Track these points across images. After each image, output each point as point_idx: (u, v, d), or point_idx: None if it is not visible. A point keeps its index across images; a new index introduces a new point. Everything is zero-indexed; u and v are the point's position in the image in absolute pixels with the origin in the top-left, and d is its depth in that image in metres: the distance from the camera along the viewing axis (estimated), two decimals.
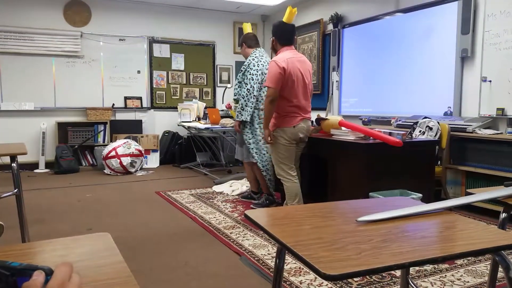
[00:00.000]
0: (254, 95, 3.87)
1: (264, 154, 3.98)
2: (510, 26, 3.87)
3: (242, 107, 3.91)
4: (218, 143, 6.75)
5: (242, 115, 3.92)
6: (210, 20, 7.46)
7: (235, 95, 4.07)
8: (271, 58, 3.58)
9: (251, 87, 3.87)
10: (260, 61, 3.93)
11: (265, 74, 3.82)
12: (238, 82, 4.02)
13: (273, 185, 4.08)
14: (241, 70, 4.01)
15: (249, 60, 3.96)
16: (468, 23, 4.20)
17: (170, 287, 2.32)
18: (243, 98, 3.91)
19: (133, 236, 3.19)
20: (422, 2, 4.75)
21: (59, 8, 6.40)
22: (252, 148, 3.96)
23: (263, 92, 3.89)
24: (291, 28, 3.53)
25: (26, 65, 6.24)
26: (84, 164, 6.58)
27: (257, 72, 3.87)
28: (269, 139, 3.42)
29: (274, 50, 3.58)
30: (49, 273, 0.55)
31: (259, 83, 3.88)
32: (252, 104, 3.87)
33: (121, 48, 6.84)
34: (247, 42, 4.12)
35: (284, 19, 3.51)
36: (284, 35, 3.48)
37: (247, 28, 4.36)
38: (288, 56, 3.36)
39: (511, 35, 3.86)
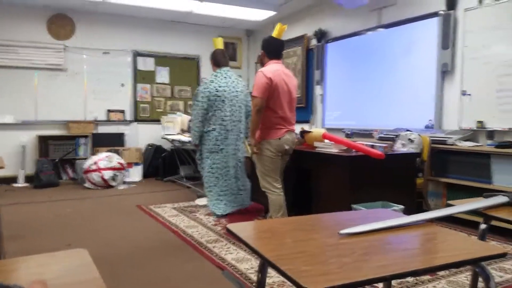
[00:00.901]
0: (199, 121, 4.07)
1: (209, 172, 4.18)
2: (488, 41, 3.97)
3: (191, 131, 4.25)
4: None
5: (192, 139, 4.25)
6: (195, 34, 7.49)
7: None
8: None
9: (197, 113, 4.08)
10: (208, 88, 4.05)
11: (212, 100, 4.02)
12: (192, 102, 4.22)
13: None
14: (194, 94, 4.22)
15: (200, 85, 4.21)
16: (448, 38, 4.30)
17: None
18: (192, 121, 4.20)
19: (113, 251, 3.12)
20: (403, 18, 4.85)
21: (43, 21, 6.35)
22: (203, 162, 4.20)
23: (208, 116, 4.07)
24: (280, 43, 3.60)
25: (8, 78, 6.14)
26: (65, 178, 6.46)
27: (202, 99, 4.05)
28: (255, 149, 3.43)
29: (261, 63, 3.61)
30: None
31: (204, 109, 4.05)
32: (198, 128, 4.11)
33: (105, 61, 6.79)
34: (214, 59, 4.26)
35: (274, 35, 3.60)
36: (273, 49, 3.55)
37: (218, 43, 4.39)
38: (274, 68, 3.41)
39: (489, 50, 3.96)
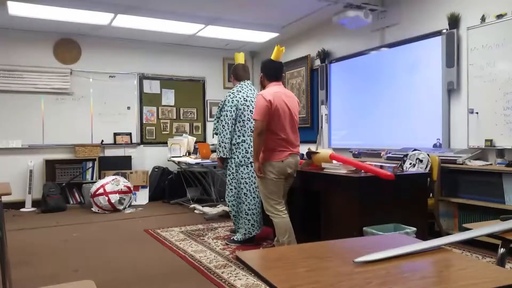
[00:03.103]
0: (229, 131, 3.94)
1: (231, 189, 4.03)
2: (492, 60, 3.97)
3: (219, 143, 4.01)
4: (209, 177, 6.68)
5: (220, 151, 4.00)
6: (200, 56, 7.56)
7: (214, 130, 4.20)
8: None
9: (226, 123, 3.95)
10: (236, 97, 3.96)
11: (240, 109, 3.92)
12: (217, 117, 4.10)
13: (235, 221, 4.08)
14: (219, 106, 4.09)
15: (226, 96, 4.05)
16: (452, 57, 4.30)
17: None
18: (219, 134, 4.01)
19: (122, 278, 3.07)
20: (406, 37, 4.87)
21: (49, 46, 6.44)
22: (231, 183, 4.01)
23: (238, 127, 3.95)
24: (279, 65, 3.61)
25: (15, 102, 6.20)
26: (72, 202, 6.45)
27: (231, 108, 3.93)
28: (258, 172, 3.40)
29: (262, 86, 3.62)
30: None
31: (233, 119, 3.94)
32: (228, 140, 3.94)
33: (111, 84, 6.86)
34: (235, 74, 4.20)
35: (272, 57, 3.61)
36: (272, 72, 3.55)
37: (239, 58, 4.34)
38: (274, 90, 3.40)
39: (494, 68, 3.95)
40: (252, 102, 3.96)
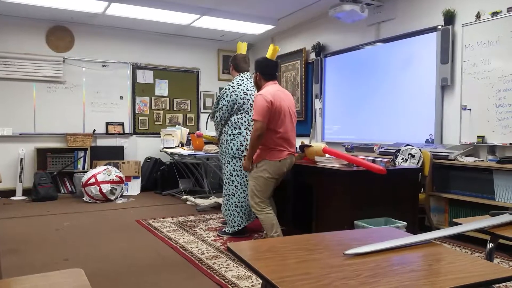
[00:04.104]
0: (222, 124, 3.99)
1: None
2: (486, 57, 3.98)
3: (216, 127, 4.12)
4: (202, 169, 6.67)
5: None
6: (194, 47, 7.51)
7: (211, 119, 4.20)
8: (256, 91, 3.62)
9: (220, 116, 3.93)
10: (236, 91, 3.89)
11: (240, 102, 3.87)
12: (214, 108, 4.05)
13: (224, 214, 4.08)
14: (217, 98, 4.02)
15: (225, 89, 3.97)
16: (447, 53, 4.31)
17: None
18: (215, 124, 4.10)
19: (112, 268, 3.06)
20: (402, 33, 4.87)
21: (42, 33, 6.36)
22: (233, 181, 3.94)
23: (235, 119, 3.91)
24: (274, 63, 3.59)
25: (6, 90, 6.13)
26: (63, 192, 6.41)
27: (228, 103, 3.88)
28: (247, 169, 3.45)
29: (258, 85, 3.55)
30: None
31: (228, 113, 3.91)
32: (219, 131, 4.05)
33: (104, 74, 6.80)
34: (235, 64, 4.09)
35: (268, 56, 3.60)
36: (268, 71, 3.51)
37: (241, 48, 4.23)
38: (274, 90, 3.37)
39: (488, 65, 3.97)
40: (253, 95, 3.90)
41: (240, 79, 3.99)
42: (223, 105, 3.90)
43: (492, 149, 3.84)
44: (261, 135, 3.28)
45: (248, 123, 3.88)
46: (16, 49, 6.16)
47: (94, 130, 6.69)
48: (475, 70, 4.08)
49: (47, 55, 6.36)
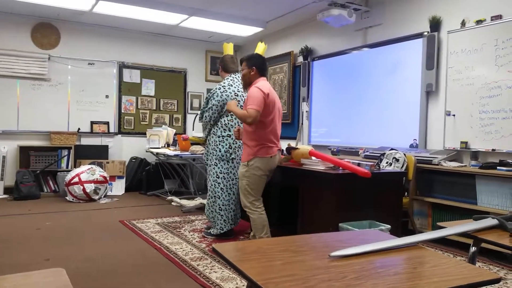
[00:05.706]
0: (210, 124, 3.96)
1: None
2: (470, 64, 4.05)
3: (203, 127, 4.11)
4: (188, 170, 6.63)
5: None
6: (182, 47, 7.48)
7: (200, 119, 4.16)
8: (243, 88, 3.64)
9: (209, 116, 3.91)
10: (226, 91, 3.87)
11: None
12: (203, 108, 4.01)
13: (208, 216, 4.05)
14: (207, 98, 3.99)
15: (215, 89, 3.93)
16: (432, 59, 4.37)
17: None
18: (203, 125, 4.09)
19: (94, 268, 3.02)
20: (388, 38, 4.93)
21: (27, 30, 6.25)
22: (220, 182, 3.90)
23: (225, 120, 3.88)
24: (265, 60, 3.66)
25: None
26: (46, 190, 6.30)
27: (218, 103, 3.85)
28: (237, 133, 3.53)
29: (249, 81, 3.48)
30: None
31: (217, 113, 3.88)
32: (207, 132, 4.03)
33: (90, 72, 6.71)
34: (223, 65, 4.08)
35: (260, 53, 3.62)
36: (264, 67, 3.56)
37: (228, 49, 4.23)
38: (268, 85, 3.43)
39: (472, 72, 4.04)
40: (243, 97, 3.87)
41: (231, 80, 3.98)
42: (213, 104, 3.87)
43: (475, 155, 3.91)
44: (253, 123, 3.25)
45: (238, 125, 3.86)
46: (0, 44, 6.04)
47: (79, 128, 6.60)
48: (460, 77, 4.14)
49: (32, 52, 6.26)
